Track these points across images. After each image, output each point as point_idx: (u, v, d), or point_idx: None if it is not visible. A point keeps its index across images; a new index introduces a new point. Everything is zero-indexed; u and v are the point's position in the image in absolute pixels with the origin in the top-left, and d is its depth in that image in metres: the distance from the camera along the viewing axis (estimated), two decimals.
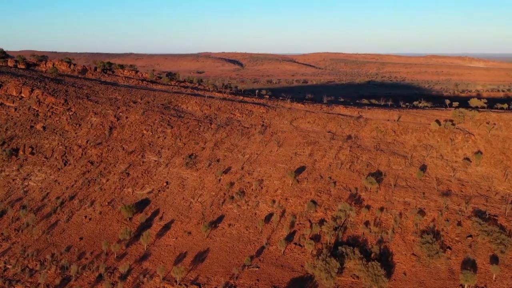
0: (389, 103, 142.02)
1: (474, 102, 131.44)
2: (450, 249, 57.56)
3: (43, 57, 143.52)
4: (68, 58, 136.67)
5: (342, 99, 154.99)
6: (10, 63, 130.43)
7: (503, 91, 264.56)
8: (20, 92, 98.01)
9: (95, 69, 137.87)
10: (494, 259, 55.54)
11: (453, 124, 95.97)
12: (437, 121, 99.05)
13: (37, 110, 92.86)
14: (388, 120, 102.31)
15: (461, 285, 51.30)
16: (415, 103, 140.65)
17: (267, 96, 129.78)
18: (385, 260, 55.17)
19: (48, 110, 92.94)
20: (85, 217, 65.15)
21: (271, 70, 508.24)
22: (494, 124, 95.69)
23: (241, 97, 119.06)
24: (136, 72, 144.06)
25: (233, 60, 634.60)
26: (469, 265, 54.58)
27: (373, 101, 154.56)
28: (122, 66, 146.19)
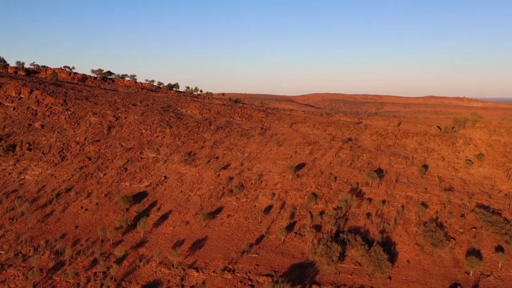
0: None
1: (473, 116, 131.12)
2: (454, 239, 56.22)
3: (44, 66, 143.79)
4: (68, 67, 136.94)
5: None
6: (10, 70, 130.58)
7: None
8: (20, 93, 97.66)
9: (95, 77, 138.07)
10: (499, 250, 54.16)
11: (454, 130, 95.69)
12: (438, 127, 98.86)
13: (36, 110, 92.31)
14: (388, 125, 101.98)
15: (466, 272, 49.89)
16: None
17: (267, 105, 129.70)
18: (388, 249, 53.67)
19: (47, 110, 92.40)
20: (81, 207, 63.79)
21: None
22: (495, 130, 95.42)
23: (241, 104, 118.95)
24: (136, 81, 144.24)
25: (233, 100, 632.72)
26: (474, 255, 53.09)
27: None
28: (122, 76, 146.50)
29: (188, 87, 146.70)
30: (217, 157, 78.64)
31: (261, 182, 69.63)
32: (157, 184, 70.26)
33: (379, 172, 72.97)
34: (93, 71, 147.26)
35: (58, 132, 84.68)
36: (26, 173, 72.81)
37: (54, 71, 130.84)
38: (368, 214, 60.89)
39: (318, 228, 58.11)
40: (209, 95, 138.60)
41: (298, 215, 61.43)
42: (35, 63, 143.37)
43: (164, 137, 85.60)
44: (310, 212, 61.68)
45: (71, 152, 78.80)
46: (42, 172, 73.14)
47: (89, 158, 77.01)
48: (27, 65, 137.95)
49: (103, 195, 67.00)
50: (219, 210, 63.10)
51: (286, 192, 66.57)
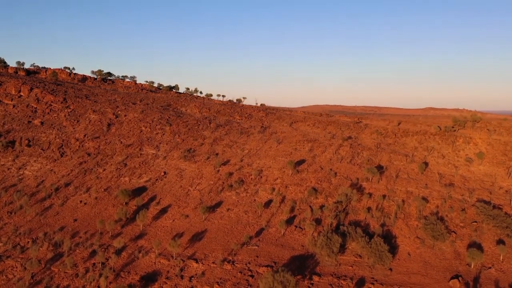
0: None
1: (473, 116, 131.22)
2: (455, 233, 55.94)
3: (44, 67, 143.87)
4: (68, 67, 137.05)
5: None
6: (10, 70, 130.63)
7: None
8: (19, 91, 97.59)
9: (95, 78, 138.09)
10: (501, 243, 53.81)
11: (453, 129, 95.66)
12: (438, 126, 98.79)
13: (35, 107, 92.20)
14: (388, 125, 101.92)
15: (467, 264, 49.57)
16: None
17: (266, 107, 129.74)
18: (388, 242, 53.27)
19: (47, 108, 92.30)
20: (80, 201, 63.49)
21: None
22: (495, 130, 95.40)
23: (241, 104, 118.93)
24: (136, 82, 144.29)
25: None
26: (475, 248, 52.74)
27: None
28: (122, 77, 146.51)
29: (188, 88, 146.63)
30: (217, 154, 78.45)
31: (261, 177, 69.42)
32: (157, 179, 70.02)
33: (379, 168, 72.79)
34: (93, 72, 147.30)
35: (57, 129, 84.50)
36: (25, 169, 72.54)
37: (54, 71, 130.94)
38: (369, 208, 60.64)
39: (318, 221, 57.83)
40: (208, 96, 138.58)
41: (298, 209, 61.16)
42: (35, 64, 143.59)
43: (163, 134, 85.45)
44: (310, 206, 61.40)
45: (70, 148, 78.58)
46: (41, 168, 72.88)
47: (89, 154, 76.80)
48: (27, 66, 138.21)
49: (102, 189, 66.73)
50: (218, 204, 62.83)
51: (286, 187, 66.34)
